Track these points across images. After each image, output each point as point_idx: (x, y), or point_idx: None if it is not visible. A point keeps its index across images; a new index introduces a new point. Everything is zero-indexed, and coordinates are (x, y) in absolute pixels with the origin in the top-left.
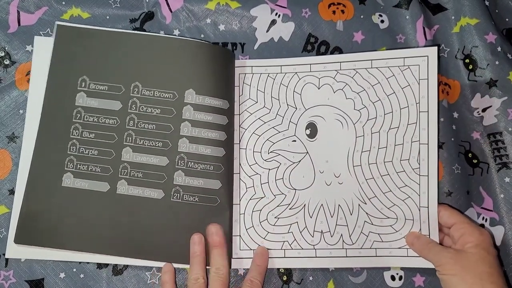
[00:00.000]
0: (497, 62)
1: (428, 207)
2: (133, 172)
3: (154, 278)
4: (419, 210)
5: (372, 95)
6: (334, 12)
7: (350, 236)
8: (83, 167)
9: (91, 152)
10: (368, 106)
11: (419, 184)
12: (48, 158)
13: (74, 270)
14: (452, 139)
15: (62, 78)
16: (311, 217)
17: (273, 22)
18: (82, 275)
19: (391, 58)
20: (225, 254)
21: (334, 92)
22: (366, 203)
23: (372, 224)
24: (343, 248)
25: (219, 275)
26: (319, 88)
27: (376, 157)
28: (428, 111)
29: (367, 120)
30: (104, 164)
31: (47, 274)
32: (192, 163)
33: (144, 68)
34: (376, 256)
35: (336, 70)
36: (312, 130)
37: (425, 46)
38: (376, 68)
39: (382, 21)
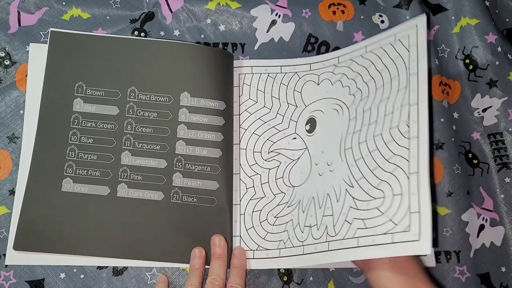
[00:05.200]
0: (497, 63)
1: (418, 172)
2: (132, 175)
3: (154, 278)
4: (408, 178)
5: (366, 75)
6: (334, 12)
7: (334, 227)
8: (83, 172)
9: (90, 157)
10: (362, 87)
11: (409, 149)
12: (47, 164)
13: (74, 270)
14: (452, 139)
15: (58, 85)
16: (303, 212)
17: (273, 23)
18: (82, 276)
19: (383, 38)
20: (224, 266)
21: (333, 84)
22: (353, 186)
23: (357, 209)
24: (326, 241)
25: (214, 285)
26: (318, 84)
27: (366, 134)
28: (417, 73)
29: (360, 100)
30: (103, 168)
31: (47, 275)
32: (190, 164)
33: (140, 73)
34: (358, 246)
35: (334, 65)
36: (312, 124)
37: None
38: (371, 51)
39: (382, 22)
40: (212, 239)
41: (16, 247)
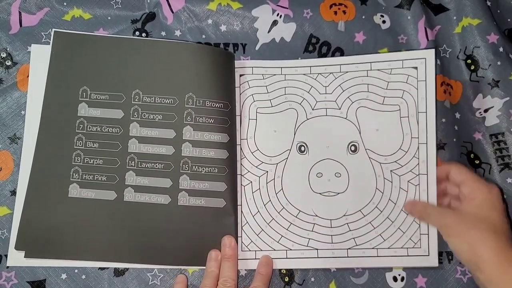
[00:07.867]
0: (499, 63)
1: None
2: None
3: (156, 279)
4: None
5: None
6: (335, 12)
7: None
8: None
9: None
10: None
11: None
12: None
13: (76, 271)
14: (454, 139)
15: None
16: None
17: (275, 23)
18: (83, 276)
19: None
20: (234, 267)
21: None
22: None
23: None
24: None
25: (226, 287)
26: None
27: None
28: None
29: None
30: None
31: (49, 275)
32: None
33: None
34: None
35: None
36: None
37: (426, 48)
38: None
39: (384, 22)
40: (222, 239)
41: (18, 247)
